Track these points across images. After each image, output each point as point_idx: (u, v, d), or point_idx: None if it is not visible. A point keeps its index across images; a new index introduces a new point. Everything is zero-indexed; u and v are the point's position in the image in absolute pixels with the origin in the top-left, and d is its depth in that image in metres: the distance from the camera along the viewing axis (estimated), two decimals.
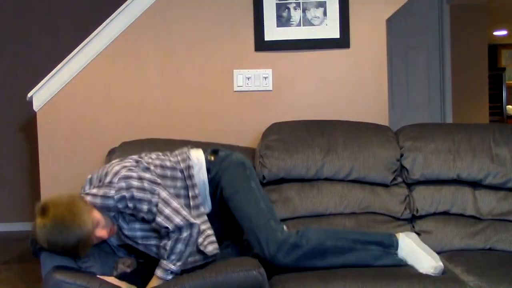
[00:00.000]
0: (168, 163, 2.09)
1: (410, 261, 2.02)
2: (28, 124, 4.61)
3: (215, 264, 1.96)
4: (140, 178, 1.91)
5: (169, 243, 1.87)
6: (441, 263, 1.97)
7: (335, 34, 2.87)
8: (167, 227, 1.87)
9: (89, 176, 2.04)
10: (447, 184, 2.45)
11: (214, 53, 2.90)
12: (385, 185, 2.47)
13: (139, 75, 2.90)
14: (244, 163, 2.18)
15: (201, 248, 1.97)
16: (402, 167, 2.50)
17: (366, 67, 2.90)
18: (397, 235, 2.12)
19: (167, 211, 1.89)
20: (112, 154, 2.60)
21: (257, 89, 2.90)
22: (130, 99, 2.90)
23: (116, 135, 2.76)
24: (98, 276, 1.89)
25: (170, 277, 1.87)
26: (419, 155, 2.46)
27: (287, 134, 2.54)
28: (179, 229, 1.88)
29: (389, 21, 3.00)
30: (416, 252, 2.02)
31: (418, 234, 2.38)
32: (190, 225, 1.89)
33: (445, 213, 2.43)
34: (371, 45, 2.89)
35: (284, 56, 2.90)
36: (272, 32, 2.87)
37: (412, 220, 2.44)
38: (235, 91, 2.89)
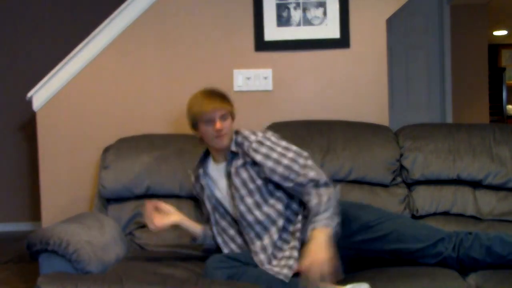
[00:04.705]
0: None
1: None
2: (28, 124, 4.61)
3: None
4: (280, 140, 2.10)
5: (313, 199, 1.89)
6: None
7: (335, 34, 2.87)
8: (313, 179, 1.92)
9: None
10: (447, 184, 2.45)
11: (214, 53, 2.90)
12: (384, 185, 2.47)
13: (139, 75, 2.90)
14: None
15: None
16: (402, 167, 2.50)
17: (366, 67, 2.89)
18: None
19: (311, 166, 1.99)
20: (107, 151, 2.60)
21: (257, 89, 2.89)
22: (130, 99, 2.90)
23: (116, 134, 2.75)
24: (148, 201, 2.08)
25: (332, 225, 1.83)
26: (419, 155, 2.46)
27: (286, 134, 2.52)
28: (325, 183, 1.93)
29: (389, 21, 3.00)
30: None
31: None
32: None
33: (445, 213, 2.43)
34: (371, 45, 2.89)
35: (284, 56, 2.89)
36: (272, 32, 2.87)
37: None
38: (235, 91, 2.88)
